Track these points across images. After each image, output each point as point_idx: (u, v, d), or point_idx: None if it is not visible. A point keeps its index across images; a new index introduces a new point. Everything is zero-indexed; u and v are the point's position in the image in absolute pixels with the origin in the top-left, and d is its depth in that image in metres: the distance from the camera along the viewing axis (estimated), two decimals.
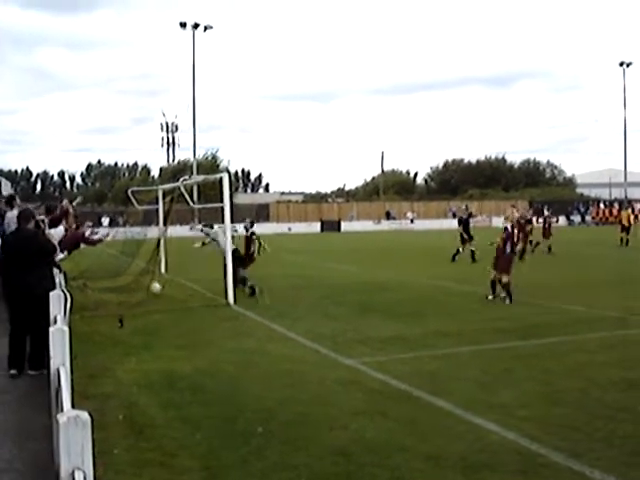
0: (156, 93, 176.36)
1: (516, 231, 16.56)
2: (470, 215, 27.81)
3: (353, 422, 7.06)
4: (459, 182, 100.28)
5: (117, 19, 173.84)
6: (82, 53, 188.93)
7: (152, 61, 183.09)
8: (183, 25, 67.34)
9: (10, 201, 14.18)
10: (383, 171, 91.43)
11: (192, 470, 5.83)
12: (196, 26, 67.38)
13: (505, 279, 15.26)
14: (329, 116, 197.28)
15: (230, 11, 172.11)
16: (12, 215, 13.43)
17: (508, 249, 15.55)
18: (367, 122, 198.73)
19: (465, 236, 25.68)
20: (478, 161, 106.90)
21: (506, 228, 15.86)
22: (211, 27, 68.25)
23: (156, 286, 16.25)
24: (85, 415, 3.19)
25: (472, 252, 25.16)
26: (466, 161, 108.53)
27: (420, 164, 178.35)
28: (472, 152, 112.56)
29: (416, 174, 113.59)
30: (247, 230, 18.09)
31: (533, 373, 9.00)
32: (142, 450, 6.24)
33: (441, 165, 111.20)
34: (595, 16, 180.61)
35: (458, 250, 25.62)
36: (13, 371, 9.01)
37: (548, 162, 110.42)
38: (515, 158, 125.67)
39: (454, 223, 66.78)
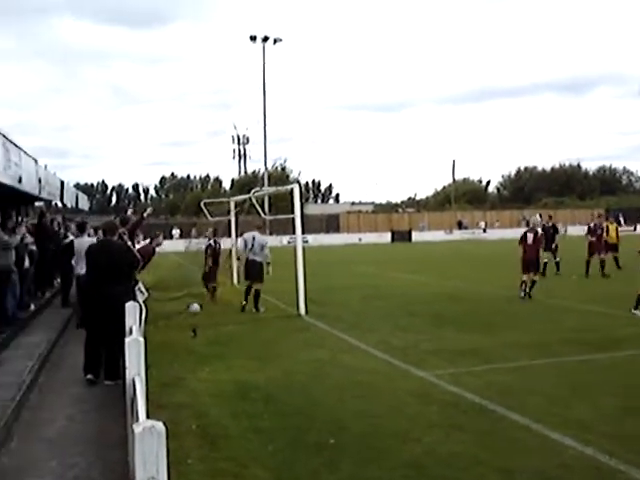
0: (229, 106, 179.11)
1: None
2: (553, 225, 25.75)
3: (426, 435, 6.97)
4: (532, 190, 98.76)
5: (190, 34, 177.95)
6: (156, 67, 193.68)
7: (224, 74, 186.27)
8: (253, 38, 68.33)
9: (82, 226, 14.47)
10: (454, 180, 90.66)
11: None
12: (266, 39, 68.31)
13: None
14: (400, 125, 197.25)
15: (299, 23, 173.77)
16: (82, 241, 13.75)
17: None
18: (438, 131, 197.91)
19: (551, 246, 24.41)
20: (552, 168, 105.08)
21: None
22: (280, 40, 69.15)
23: (195, 307, 16.31)
24: (160, 425, 3.21)
25: (556, 264, 24.24)
26: (539, 169, 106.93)
27: (492, 172, 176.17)
28: (545, 159, 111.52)
29: (488, 182, 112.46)
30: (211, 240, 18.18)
31: (611, 387, 8.73)
32: (215, 460, 6.28)
33: (514, 173, 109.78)
34: None
35: (557, 263, 24.32)
36: (89, 376, 9.25)
37: (625, 169, 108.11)
38: (590, 165, 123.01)
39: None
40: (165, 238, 45.77)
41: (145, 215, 15.16)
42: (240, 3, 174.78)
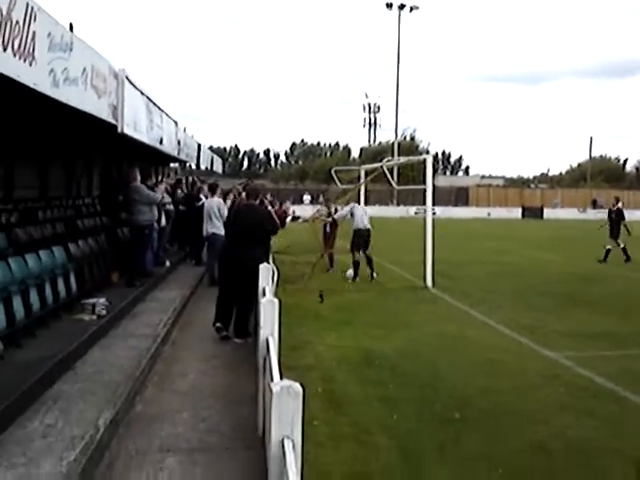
0: (362, 74, 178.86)
1: None
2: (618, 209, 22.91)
3: (555, 418, 6.80)
4: None
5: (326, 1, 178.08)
6: (291, 35, 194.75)
7: (359, 42, 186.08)
8: (389, 6, 67.71)
9: (213, 188, 14.82)
10: (591, 157, 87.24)
11: (389, 449, 5.85)
12: (402, 7, 67.54)
13: None
14: (537, 99, 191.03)
15: None
16: (212, 202, 14.08)
17: None
18: (576, 106, 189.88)
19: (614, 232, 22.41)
20: None
21: None
22: (417, 7, 68.19)
23: (350, 272, 16.40)
24: (297, 386, 3.25)
25: (623, 250, 21.92)
26: None
27: (631, 150, 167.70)
28: None
29: (626, 160, 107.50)
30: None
31: None
32: (340, 424, 6.35)
33: None
34: None
35: (608, 250, 22.09)
36: (218, 324, 9.58)
37: None
38: None
39: None
40: (295, 203, 46.77)
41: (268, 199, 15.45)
42: None
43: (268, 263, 8.40)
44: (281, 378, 3.81)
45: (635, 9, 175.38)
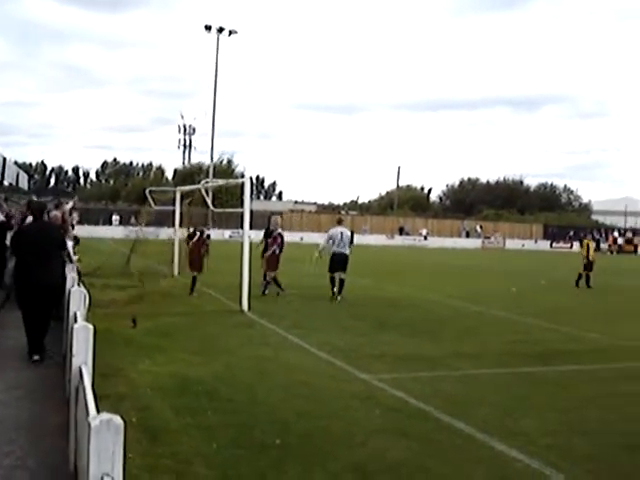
0: (181, 95, 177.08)
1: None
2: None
3: (372, 439, 6.87)
4: (474, 201, 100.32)
5: (149, 20, 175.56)
6: (113, 51, 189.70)
7: (179, 63, 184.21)
8: (208, 28, 67.31)
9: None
10: (398, 186, 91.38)
11: (209, 479, 5.65)
12: (221, 30, 67.30)
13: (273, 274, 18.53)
14: (351, 128, 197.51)
15: (256, 17, 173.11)
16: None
17: (277, 251, 18.67)
18: (388, 136, 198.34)
19: None
20: (497, 182, 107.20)
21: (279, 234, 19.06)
22: (236, 32, 68.18)
23: None
24: (118, 419, 3.02)
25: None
26: (483, 181, 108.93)
27: (436, 181, 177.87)
28: (489, 173, 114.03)
29: (430, 190, 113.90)
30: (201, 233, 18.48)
31: (554, 401, 8.79)
32: (157, 456, 6.05)
33: (457, 183, 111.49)
34: (626, 42, 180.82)
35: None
36: (36, 357, 9.16)
37: (565, 187, 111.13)
38: (533, 181, 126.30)
39: (468, 242, 67.18)
40: (105, 224, 45.38)
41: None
42: None
43: (65, 279, 8.09)
44: (97, 410, 3.54)
45: (448, 49, 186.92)
